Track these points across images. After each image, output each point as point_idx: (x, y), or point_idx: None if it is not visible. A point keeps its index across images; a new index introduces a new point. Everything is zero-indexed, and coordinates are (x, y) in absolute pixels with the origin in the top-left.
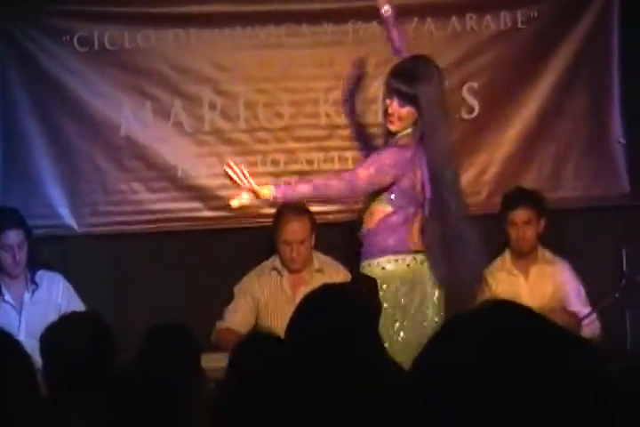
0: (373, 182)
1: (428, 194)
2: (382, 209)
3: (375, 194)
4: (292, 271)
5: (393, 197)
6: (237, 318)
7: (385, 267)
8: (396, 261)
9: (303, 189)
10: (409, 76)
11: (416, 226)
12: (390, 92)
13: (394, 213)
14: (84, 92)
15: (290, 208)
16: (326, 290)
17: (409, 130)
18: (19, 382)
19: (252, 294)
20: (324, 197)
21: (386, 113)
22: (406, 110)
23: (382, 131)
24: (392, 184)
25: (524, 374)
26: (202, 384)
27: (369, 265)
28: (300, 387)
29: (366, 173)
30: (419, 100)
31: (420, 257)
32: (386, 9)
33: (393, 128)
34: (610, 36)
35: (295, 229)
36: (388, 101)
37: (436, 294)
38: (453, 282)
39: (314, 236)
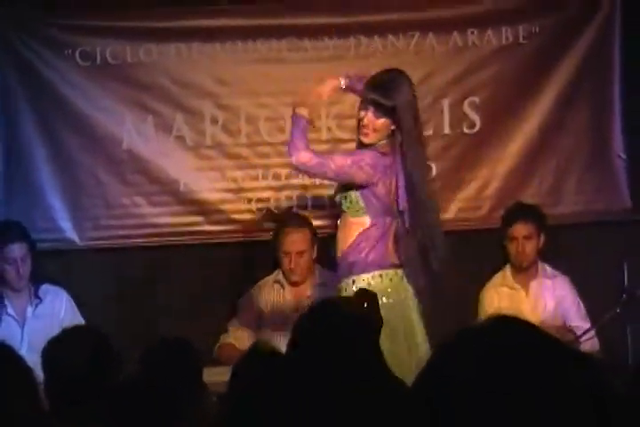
0: (344, 172)
1: (403, 205)
2: (360, 221)
3: (351, 205)
4: (292, 284)
5: (369, 204)
6: (240, 332)
7: (371, 283)
8: (380, 276)
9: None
10: (385, 88)
11: (392, 239)
12: (366, 103)
13: (372, 225)
14: (85, 106)
15: (291, 220)
16: (328, 304)
17: (383, 141)
18: (20, 396)
19: (254, 307)
20: (295, 150)
21: (359, 125)
22: (381, 122)
23: (356, 145)
24: (363, 187)
25: (527, 389)
26: (203, 398)
27: (353, 282)
28: (302, 401)
29: (341, 162)
30: (396, 112)
31: (400, 272)
32: (342, 83)
33: (367, 140)
34: (611, 51)
35: (295, 240)
36: (362, 113)
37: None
38: (433, 293)
39: (315, 249)
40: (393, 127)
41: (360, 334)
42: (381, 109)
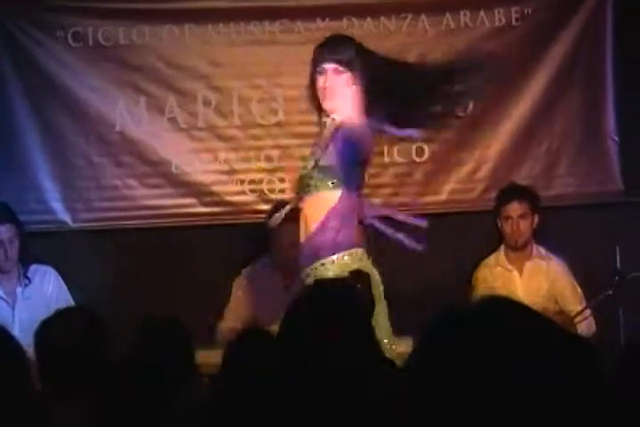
0: None
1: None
2: (331, 197)
3: (326, 178)
4: (287, 259)
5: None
6: (238, 315)
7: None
8: (351, 255)
9: None
10: (338, 45)
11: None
12: (321, 63)
13: (340, 200)
14: (78, 88)
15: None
16: (320, 284)
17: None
18: (12, 376)
19: (247, 289)
20: None
21: (314, 94)
22: (344, 78)
23: (317, 119)
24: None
25: (520, 370)
26: (194, 378)
27: (322, 265)
28: (293, 382)
29: None
30: (355, 63)
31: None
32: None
33: (329, 104)
34: (604, 33)
35: (287, 233)
36: (320, 78)
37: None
38: None
39: None
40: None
41: (352, 315)
42: (342, 63)
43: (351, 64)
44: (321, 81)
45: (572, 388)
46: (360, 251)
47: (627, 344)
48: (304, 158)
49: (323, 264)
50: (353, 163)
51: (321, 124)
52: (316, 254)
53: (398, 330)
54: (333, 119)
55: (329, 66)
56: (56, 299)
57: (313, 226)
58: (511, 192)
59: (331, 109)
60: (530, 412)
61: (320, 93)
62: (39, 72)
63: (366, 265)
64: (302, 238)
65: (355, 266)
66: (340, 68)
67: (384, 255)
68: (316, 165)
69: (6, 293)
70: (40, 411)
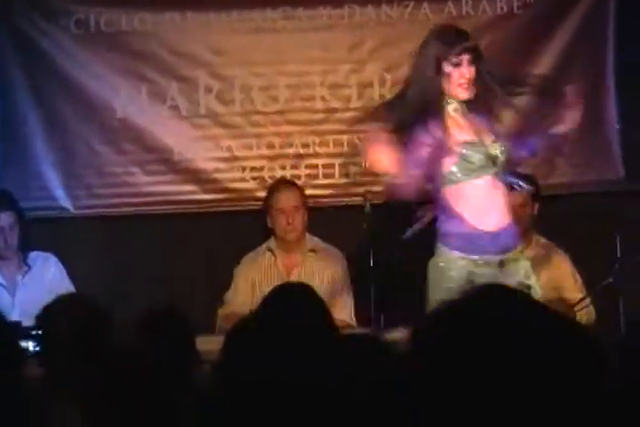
0: None
1: None
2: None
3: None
4: (285, 250)
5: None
6: (239, 301)
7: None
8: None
9: None
10: (468, 36)
11: None
12: (459, 54)
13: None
14: (80, 75)
15: (280, 181)
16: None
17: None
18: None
19: (248, 275)
20: None
21: (450, 85)
22: (473, 70)
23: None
24: None
25: (517, 359)
26: (195, 365)
27: (521, 252)
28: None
29: None
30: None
31: None
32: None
33: (469, 95)
34: (605, 21)
35: (289, 196)
36: (456, 69)
37: None
38: None
39: (306, 214)
40: None
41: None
42: (475, 55)
43: (479, 56)
44: (464, 71)
45: (571, 375)
46: None
47: (626, 332)
48: (305, 145)
49: (522, 251)
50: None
51: (442, 111)
52: (515, 242)
53: (396, 318)
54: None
55: (465, 57)
56: (57, 286)
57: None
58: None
59: (465, 99)
60: (528, 400)
61: (458, 83)
62: (41, 59)
63: None
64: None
65: None
66: (472, 60)
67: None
68: (503, 152)
69: (6, 280)
70: (35, 397)
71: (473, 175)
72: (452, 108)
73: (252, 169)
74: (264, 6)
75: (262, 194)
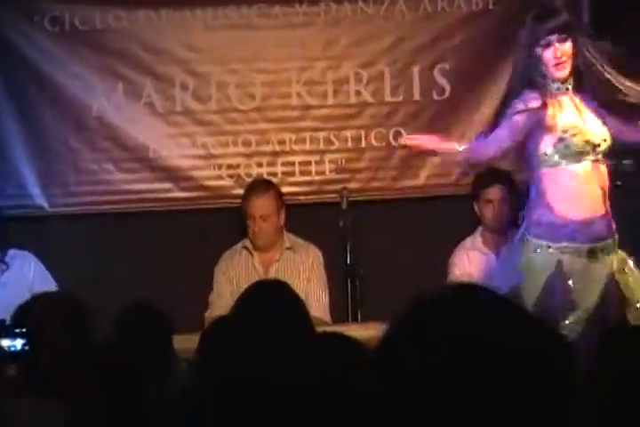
0: None
1: None
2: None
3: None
4: (259, 249)
5: None
6: (224, 302)
7: None
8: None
9: None
10: (549, 11)
11: None
12: (546, 35)
13: None
14: (55, 73)
15: (257, 184)
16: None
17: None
18: None
19: (227, 274)
20: None
21: (545, 67)
22: (568, 45)
23: (548, 84)
24: None
25: (489, 359)
26: (172, 363)
27: (614, 240)
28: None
29: None
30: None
31: None
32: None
33: (565, 73)
34: (580, 17)
35: (259, 205)
36: (548, 50)
37: None
38: None
39: (283, 215)
40: None
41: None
42: (567, 31)
43: (571, 31)
44: (554, 51)
45: (543, 377)
46: None
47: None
48: (281, 142)
49: (615, 239)
50: None
51: (543, 90)
52: (609, 231)
53: (373, 314)
54: (567, 89)
55: (552, 37)
56: (39, 284)
57: (600, 198)
58: (492, 176)
59: (565, 78)
60: (499, 400)
61: (552, 64)
62: (16, 56)
63: None
64: (588, 210)
65: None
66: (561, 38)
67: (361, 239)
68: (606, 140)
69: None
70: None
71: (572, 160)
72: (554, 87)
73: (229, 167)
74: (239, 3)
75: (239, 191)
